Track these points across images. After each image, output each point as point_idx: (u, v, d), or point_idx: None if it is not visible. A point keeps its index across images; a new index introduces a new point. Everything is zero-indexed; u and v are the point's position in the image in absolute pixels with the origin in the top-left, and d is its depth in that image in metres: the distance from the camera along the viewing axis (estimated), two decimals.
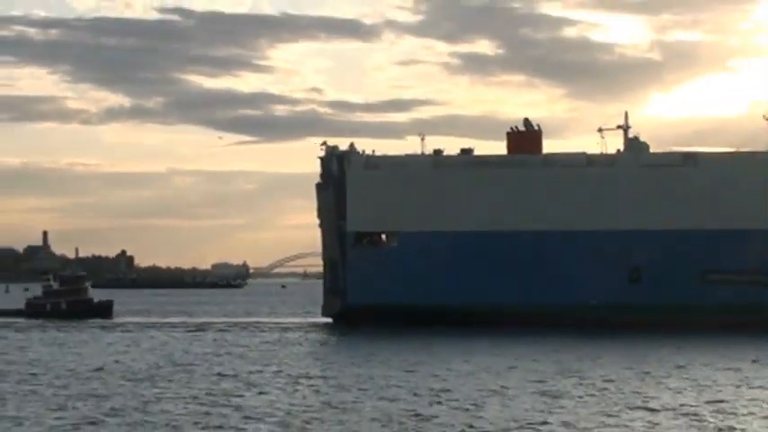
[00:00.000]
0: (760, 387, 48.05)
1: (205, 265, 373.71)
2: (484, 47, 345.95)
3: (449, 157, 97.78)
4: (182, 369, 59.61)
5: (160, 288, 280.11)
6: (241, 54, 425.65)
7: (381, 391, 47.35)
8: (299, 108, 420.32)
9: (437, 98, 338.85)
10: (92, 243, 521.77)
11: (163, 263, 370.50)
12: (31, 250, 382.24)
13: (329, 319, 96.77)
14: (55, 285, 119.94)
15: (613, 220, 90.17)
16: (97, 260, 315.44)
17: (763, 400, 43.62)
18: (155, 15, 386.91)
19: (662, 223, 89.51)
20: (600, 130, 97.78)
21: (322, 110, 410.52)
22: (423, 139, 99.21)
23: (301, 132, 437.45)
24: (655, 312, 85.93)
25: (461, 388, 48.45)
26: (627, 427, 36.43)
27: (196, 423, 38.16)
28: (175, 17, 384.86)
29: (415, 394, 46.47)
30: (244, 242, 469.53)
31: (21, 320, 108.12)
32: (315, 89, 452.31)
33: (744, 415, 39.20)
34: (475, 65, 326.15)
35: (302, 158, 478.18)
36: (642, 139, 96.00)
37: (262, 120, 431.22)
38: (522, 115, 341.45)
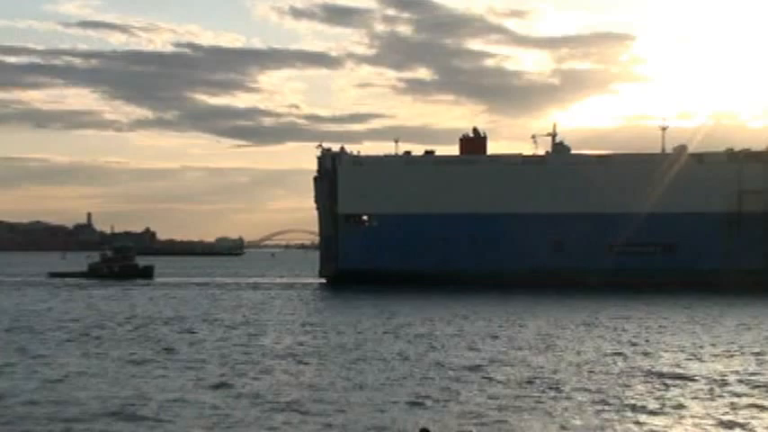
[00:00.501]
0: (659, 333, 48.26)
1: (210, 238, 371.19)
2: (422, 73, 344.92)
3: (416, 156, 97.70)
4: (211, 318, 59.26)
5: (176, 256, 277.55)
6: (237, 78, 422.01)
7: (371, 335, 47.36)
8: (282, 120, 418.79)
9: (386, 113, 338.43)
10: (123, 222, 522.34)
11: (177, 237, 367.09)
12: (79, 227, 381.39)
13: (324, 280, 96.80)
14: (109, 254, 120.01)
15: (543, 204, 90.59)
16: (127, 235, 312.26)
17: (666, 342, 43.90)
18: (171, 48, 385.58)
19: (579, 207, 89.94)
20: (533, 136, 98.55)
21: (299, 121, 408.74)
22: (397, 143, 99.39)
23: (283, 138, 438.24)
24: (572, 274, 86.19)
25: (430, 333, 48.40)
26: (566, 362, 36.43)
27: (234, 359, 38.07)
28: (187, 50, 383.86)
29: (397, 337, 46.50)
30: (239, 221, 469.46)
31: (83, 280, 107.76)
32: (293, 105, 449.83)
33: (653, 353, 39.50)
34: (415, 87, 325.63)
35: (284, 158, 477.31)
36: (566, 143, 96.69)
37: (253, 128, 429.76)
38: (451, 126, 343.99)
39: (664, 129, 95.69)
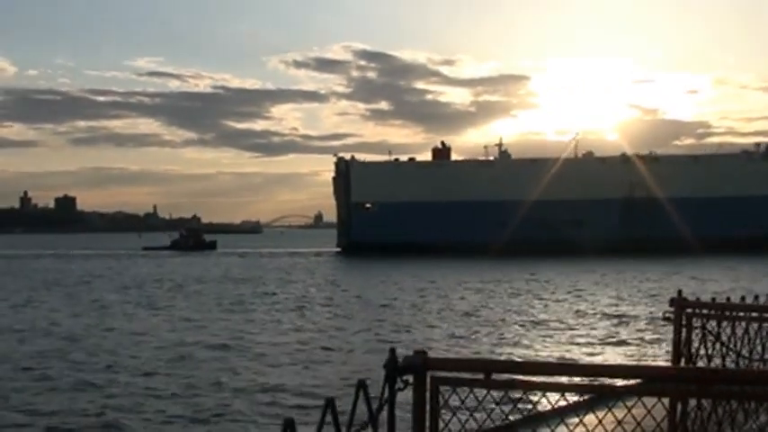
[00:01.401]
0: (595, 284, 46.93)
1: (237, 221, 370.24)
2: (383, 105, 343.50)
3: (404, 162, 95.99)
4: (262, 276, 58.01)
5: (215, 233, 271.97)
6: (255, 110, 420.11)
7: (382, 288, 45.94)
8: (286, 138, 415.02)
9: (356, 133, 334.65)
10: (178, 210, 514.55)
11: (215, 220, 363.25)
12: (148, 215, 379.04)
13: (340, 249, 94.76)
14: (184, 233, 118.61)
15: (491, 194, 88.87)
16: (180, 220, 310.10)
17: (595, 291, 42.63)
18: (210, 90, 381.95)
19: (517, 196, 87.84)
20: (485, 146, 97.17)
21: (298, 140, 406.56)
22: (390, 153, 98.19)
23: (286, 151, 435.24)
24: (515, 245, 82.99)
25: (413, 285, 46.92)
26: (532, 305, 35.45)
27: (298, 306, 36.97)
28: (221, 91, 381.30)
29: (400, 288, 45.02)
30: (257, 209, 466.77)
31: (167, 252, 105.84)
32: (294, 128, 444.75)
33: (594, 299, 38.42)
34: (377, 115, 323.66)
35: (287, 165, 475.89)
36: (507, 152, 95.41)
37: (266, 144, 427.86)
38: (399, 142, 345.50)
39: (576, 140, 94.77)
